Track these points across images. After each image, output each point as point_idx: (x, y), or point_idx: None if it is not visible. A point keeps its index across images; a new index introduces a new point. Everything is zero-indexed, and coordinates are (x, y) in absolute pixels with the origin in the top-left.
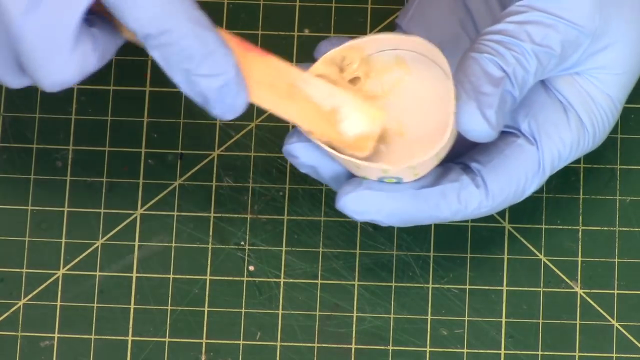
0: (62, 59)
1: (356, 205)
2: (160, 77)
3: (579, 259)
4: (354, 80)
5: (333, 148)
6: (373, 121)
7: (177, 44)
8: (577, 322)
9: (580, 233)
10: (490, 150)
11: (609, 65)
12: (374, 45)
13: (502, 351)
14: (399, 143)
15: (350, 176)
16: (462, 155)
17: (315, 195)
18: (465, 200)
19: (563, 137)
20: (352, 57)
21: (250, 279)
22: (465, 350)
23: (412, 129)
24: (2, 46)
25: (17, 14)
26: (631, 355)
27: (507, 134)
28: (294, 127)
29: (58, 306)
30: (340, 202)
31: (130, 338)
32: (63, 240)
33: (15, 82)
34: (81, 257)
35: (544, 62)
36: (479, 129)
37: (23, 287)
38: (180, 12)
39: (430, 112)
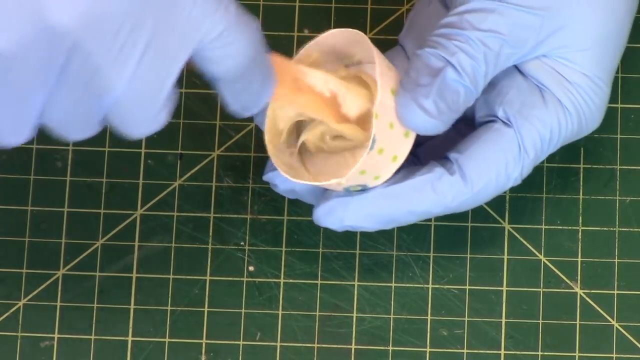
0: (156, 115)
1: (328, 214)
2: None
3: (579, 259)
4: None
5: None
6: (363, 98)
7: (251, 83)
8: (577, 322)
9: (580, 233)
10: (469, 140)
11: (572, 43)
12: (322, 46)
13: (502, 351)
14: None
15: (324, 191)
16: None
17: None
18: (442, 190)
19: (540, 117)
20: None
21: (250, 279)
22: (465, 351)
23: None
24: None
25: (118, 80)
26: (631, 356)
27: (486, 123)
28: (268, 158)
29: (58, 306)
30: (315, 215)
31: (130, 338)
32: (63, 240)
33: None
34: (81, 257)
35: (493, 47)
36: (419, 121)
37: (23, 288)
38: (263, 57)
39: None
